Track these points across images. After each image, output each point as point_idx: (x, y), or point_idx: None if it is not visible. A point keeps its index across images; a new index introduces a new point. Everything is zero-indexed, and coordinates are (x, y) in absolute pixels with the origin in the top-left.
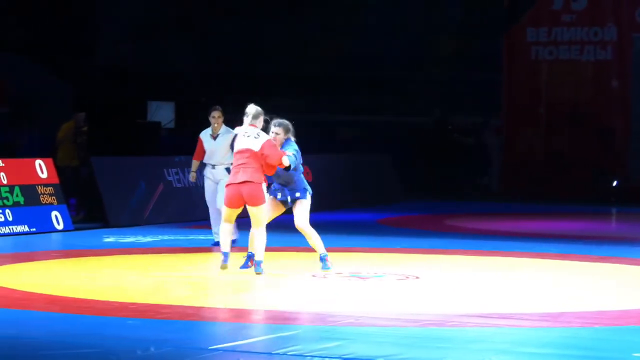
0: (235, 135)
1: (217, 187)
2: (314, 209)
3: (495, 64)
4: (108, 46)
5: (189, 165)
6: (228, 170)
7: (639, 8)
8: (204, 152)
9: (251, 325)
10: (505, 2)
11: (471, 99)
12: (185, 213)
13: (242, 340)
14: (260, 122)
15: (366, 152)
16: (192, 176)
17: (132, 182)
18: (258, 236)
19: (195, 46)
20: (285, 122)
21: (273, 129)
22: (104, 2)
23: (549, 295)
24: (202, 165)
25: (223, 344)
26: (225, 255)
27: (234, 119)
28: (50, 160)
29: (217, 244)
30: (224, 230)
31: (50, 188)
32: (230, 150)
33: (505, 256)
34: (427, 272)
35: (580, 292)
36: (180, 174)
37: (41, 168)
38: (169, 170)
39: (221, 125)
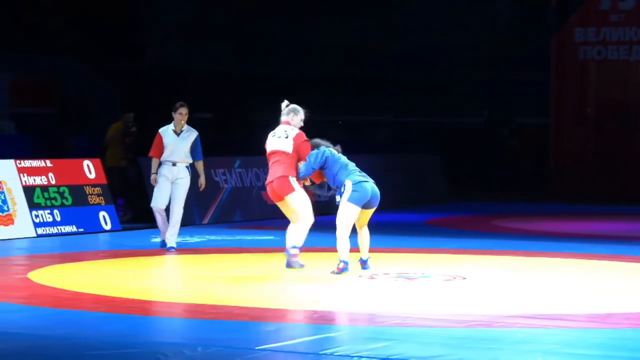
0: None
1: (171, 187)
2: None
3: (544, 64)
4: (157, 47)
5: (244, 167)
6: (188, 169)
7: None
8: (162, 148)
9: (298, 326)
10: (554, 2)
11: (520, 100)
12: (235, 214)
13: (288, 340)
14: (293, 118)
15: (414, 153)
16: (153, 179)
17: None
18: (299, 230)
19: (240, 47)
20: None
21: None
22: (154, 2)
23: (596, 296)
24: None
25: (270, 344)
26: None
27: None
28: (98, 160)
29: (164, 244)
30: (288, 230)
31: (98, 188)
32: (189, 151)
33: (553, 257)
34: (474, 272)
35: (629, 293)
36: (227, 175)
37: (89, 168)
38: (217, 170)
39: (185, 122)
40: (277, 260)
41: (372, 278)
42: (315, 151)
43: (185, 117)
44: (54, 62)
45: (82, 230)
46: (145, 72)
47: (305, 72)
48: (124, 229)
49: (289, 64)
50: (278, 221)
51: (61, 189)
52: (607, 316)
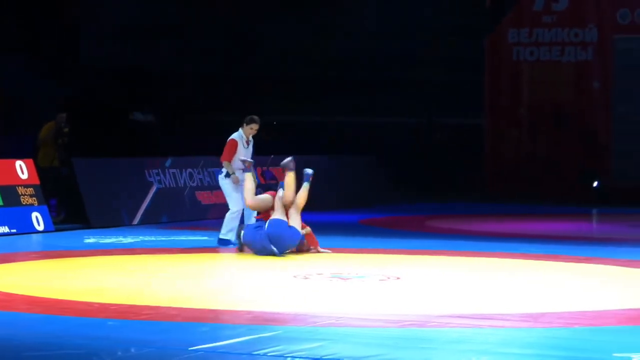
0: None
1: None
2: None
3: (477, 65)
4: (93, 47)
5: (176, 167)
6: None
7: (619, 9)
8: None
9: (232, 326)
10: (487, 3)
11: (454, 100)
12: (167, 214)
13: (223, 340)
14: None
15: (349, 153)
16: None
17: (113, 184)
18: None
19: (181, 47)
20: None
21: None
22: (91, 2)
23: (530, 296)
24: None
25: (204, 344)
26: None
27: (217, 120)
28: (30, 161)
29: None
30: None
31: (31, 189)
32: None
33: (487, 257)
34: (408, 272)
35: (562, 293)
36: (162, 175)
37: (21, 169)
38: (150, 171)
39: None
40: (211, 260)
41: (307, 278)
42: None
43: (255, 132)
44: None
45: (14, 231)
46: (81, 71)
47: (249, 73)
48: (57, 230)
49: (233, 64)
50: (211, 222)
51: None
52: (540, 315)
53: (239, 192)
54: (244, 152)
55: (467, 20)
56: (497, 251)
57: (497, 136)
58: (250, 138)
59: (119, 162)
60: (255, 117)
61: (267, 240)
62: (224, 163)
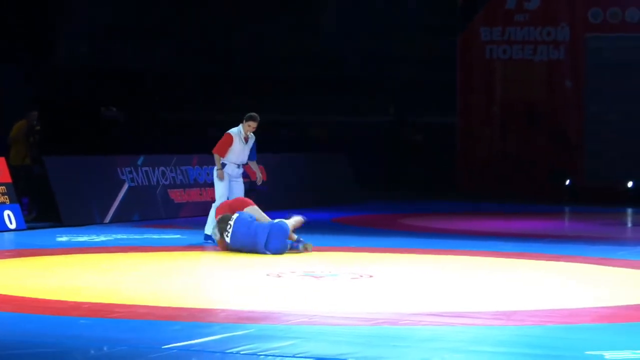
0: None
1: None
2: (269, 208)
3: (450, 63)
4: (67, 45)
5: (149, 165)
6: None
7: (591, 8)
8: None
9: (205, 325)
10: (460, 1)
11: (426, 98)
12: (140, 213)
13: (196, 339)
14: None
15: (322, 151)
16: (221, 173)
17: (85, 182)
18: None
19: (157, 47)
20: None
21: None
22: (64, 1)
23: (502, 294)
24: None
25: (177, 343)
26: None
27: (189, 120)
28: (2, 159)
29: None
30: None
31: (3, 187)
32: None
33: (459, 255)
34: (380, 271)
35: (534, 291)
36: (134, 173)
37: None
38: (123, 169)
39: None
40: (184, 258)
41: (279, 276)
42: None
43: (253, 130)
44: None
45: None
46: (55, 70)
47: (219, 72)
48: (28, 228)
49: (202, 64)
50: (184, 220)
51: None
52: (512, 313)
53: (227, 186)
54: (240, 148)
55: (440, 19)
56: (469, 249)
57: (469, 134)
58: (251, 135)
59: (91, 160)
60: (254, 115)
61: (263, 235)
62: (215, 155)
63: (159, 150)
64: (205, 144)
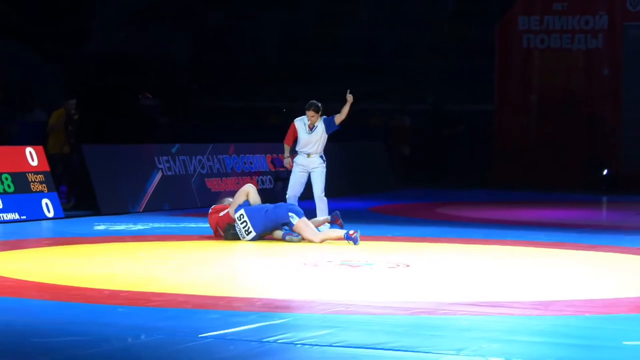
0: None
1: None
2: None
3: (488, 52)
4: (103, 33)
5: (184, 154)
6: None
7: None
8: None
9: (242, 313)
10: None
11: (464, 87)
12: (177, 201)
13: (232, 328)
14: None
15: (359, 140)
16: (288, 162)
17: (123, 170)
18: None
19: (190, 35)
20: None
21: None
22: None
23: (540, 284)
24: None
25: (213, 331)
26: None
27: (227, 107)
28: (40, 147)
29: None
30: None
31: (41, 176)
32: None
33: (497, 244)
34: (418, 260)
35: (572, 281)
36: (171, 162)
37: (32, 156)
38: (161, 158)
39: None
40: (220, 247)
41: (316, 266)
42: None
43: (313, 119)
44: None
45: (24, 217)
46: (90, 57)
47: (255, 61)
48: (67, 217)
49: (239, 52)
50: None
51: (3, 177)
52: (550, 303)
53: (296, 177)
54: (305, 137)
55: (478, 7)
56: (506, 239)
57: (506, 123)
58: (318, 124)
59: (128, 149)
60: (311, 102)
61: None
62: (284, 145)
63: (196, 139)
64: (242, 133)
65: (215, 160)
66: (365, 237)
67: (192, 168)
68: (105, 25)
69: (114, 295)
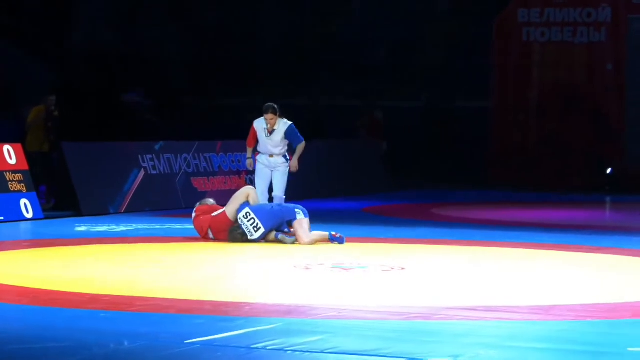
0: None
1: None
2: (294, 198)
3: (486, 46)
4: (85, 29)
5: (168, 152)
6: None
7: None
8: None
9: (229, 318)
10: None
11: (461, 83)
12: (161, 202)
13: (219, 333)
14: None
15: (352, 138)
16: (249, 162)
17: (105, 169)
18: None
19: (178, 32)
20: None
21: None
22: None
23: (539, 287)
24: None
25: (199, 337)
26: None
27: (217, 106)
28: (19, 145)
29: None
30: None
31: (19, 175)
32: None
33: (494, 246)
34: (412, 263)
35: (573, 284)
36: (156, 161)
37: (9, 154)
38: (144, 156)
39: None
40: (206, 249)
41: (307, 269)
42: None
43: (271, 122)
44: None
45: (2, 218)
46: (73, 53)
47: (246, 58)
48: (46, 218)
49: (231, 48)
50: None
51: None
52: (550, 308)
53: (261, 178)
54: (265, 140)
55: (475, 0)
56: (504, 240)
57: (505, 120)
58: (278, 127)
59: (111, 147)
60: (268, 105)
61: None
62: (247, 146)
63: (182, 137)
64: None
65: (202, 158)
66: (359, 239)
67: (177, 167)
68: (88, 21)
69: (95, 299)
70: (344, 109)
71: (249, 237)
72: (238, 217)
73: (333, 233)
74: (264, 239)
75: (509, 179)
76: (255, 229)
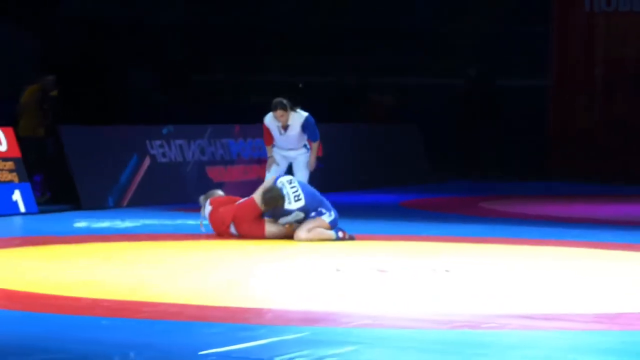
0: None
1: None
2: (325, 190)
3: (543, 16)
4: None
5: (178, 137)
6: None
7: None
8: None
9: (249, 327)
10: None
11: (515, 57)
12: (172, 194)
13: (237, 344)
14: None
15: (390, 122)
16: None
17: (108, 156)
18: None
19: None
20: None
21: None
22: None
23: (604, 292)
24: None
25: (215, 348)
26: None
27: (223, 80)
28: (10, 129)
29: None
30: None
31: (11, 163)
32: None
33: (553, 245)
34: (458, 264)
35: None
36: (166, 147)
37: None
38: (153, 142)
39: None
40: (224, 248)
41: (338, 270)
42: None
43: (282, 118)
44: None
45: None
46: (65, 24)
47: (260, 26)
48: (41, 212)
49: (242, 15)
50: None
51: None
52: (616, 316)
53: (271, 172)
54: (280, 138)
55: None
56: (564, 239)
57: (565, 101)
58: (292, 121)
59: (113, 131)
60: (275, 102)
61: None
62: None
63: (191, 120)
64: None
65: (218, 145)
66: (396, 237)
67: (190, 154)
68: None
69: (96, 304)
70: (376, 85)
71: (285, 205)
72: (279, 180)
73: (340, 234)
74: (280, 223)
75: (570, 169)
76: (297, 198)
